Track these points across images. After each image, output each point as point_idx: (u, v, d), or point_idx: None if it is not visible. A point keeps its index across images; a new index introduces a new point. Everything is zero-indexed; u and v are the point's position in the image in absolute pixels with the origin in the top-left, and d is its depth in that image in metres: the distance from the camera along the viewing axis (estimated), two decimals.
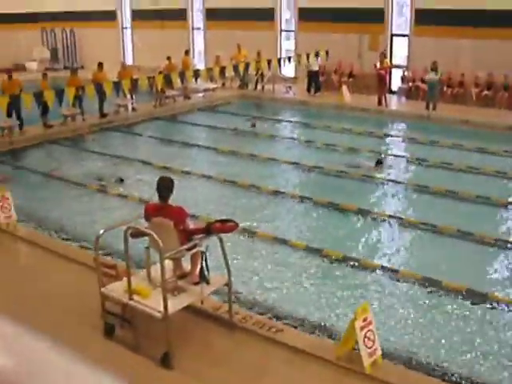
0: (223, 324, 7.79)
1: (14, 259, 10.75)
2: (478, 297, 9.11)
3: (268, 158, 17.15)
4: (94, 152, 18.52)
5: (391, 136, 20.46)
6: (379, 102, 23.41)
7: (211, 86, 26.50)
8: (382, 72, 23.34)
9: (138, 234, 7.29)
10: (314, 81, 25.67)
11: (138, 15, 34.21)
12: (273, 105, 25.33)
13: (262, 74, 26.75)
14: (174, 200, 7.55)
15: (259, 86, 27.27)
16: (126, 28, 35.93)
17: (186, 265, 7.65)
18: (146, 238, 7.27)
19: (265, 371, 7.04)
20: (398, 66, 25.79)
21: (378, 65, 23.37)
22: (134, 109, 23.23)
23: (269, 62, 24.31)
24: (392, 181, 15.05)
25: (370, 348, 6.89)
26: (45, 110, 19.62)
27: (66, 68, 31.07)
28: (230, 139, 19.88)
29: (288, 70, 28.23)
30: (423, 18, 24.26)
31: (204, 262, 7.29)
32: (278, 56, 27.42)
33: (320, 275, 10.01)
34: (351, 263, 10.31)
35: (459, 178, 15.20)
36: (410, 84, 24.88)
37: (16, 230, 11.31)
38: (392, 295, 9.32)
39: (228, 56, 27.04)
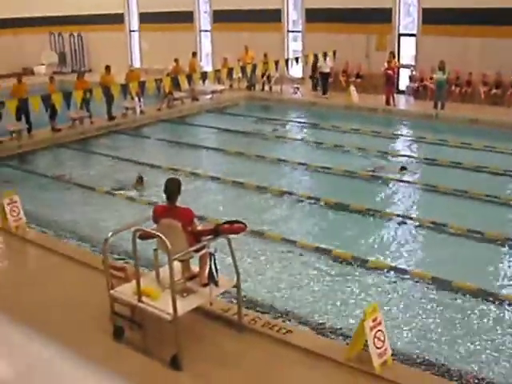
0: (232, 325, 7.77)
1: (24, 262, 10.79)
2: (488, 296, 9.06)
3: (277, 158, 17.14)
4: (102, 155, 18.55)
5: (400, 136, 20.40)
6: (387, 102, 23.36)
7: (219, 87, 26.49)
8: (390, 72, 23.29)
9: (146, 235, 7.28)
10: (323, 83, 25.59)
11: (146, 18, 34.25)
12: (281, 106, 25.30)
13: (269, 76, 26.73)
14: (182, 202, 7.54)
15: (267, 87, 27.26)
16: (133, 31, 36.01)
17: (195, 266, 7.63)
18: (155, 239, 7.26)
19: (274, 373, 7.01)
20: (405, 66, 25.73)
21: (386, 65, 23.30)
22: (141, 111, 23.25)
23: (276, 63, 24.30)
24: (401, 180, 15.00)
25: (379, 348, 6.85)
26: (53, 113, 19.65)
27: (73, 71, 31.17)
28: (239, 140, 19.87)
29: (296, 70, 28.19)
30: (430, 17, 24.19)
31: (213, 264, 7.27)
32: (286, 57, 27.38)
33: (329, 276, 9.98)
34: (361, 263, 10.28)
35: (468, 177, 15.14)
36: (418, 83, 24.81)
37: (25, 233, 11.33)
38: (402, 295, 9.29)
39: (235, 58, 27.05)
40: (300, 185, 15.24)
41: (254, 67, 24.01)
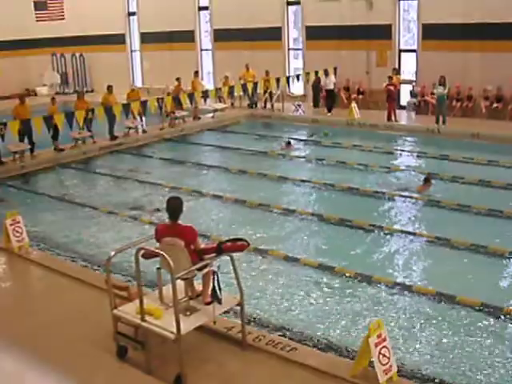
0: (236, 344, 7.74)
1: (27, 282, 10.76)
2: (494, 311, 9.02)
3: (279, 176, 17.15)
4: (105, 174, 18.59)
5: (402, 151, 20.39)
6: (389, 118, 23.40)
7: (220, 106, 26.58)
8: (392, 87, 23.35)
9: (149, 254, 7.26)
10: (328, 100, 25.60)
11: (147, 38, 34.43)
12: (282, 123, 25.33)
13: (270, 93, 26.82)
14: (184, 220, 7.53)
15: (268, 105, 27.33)
16: (134, 51, 36.20)
17: (198, 285, 7.61)
18: (158, 258, 7.25)
19: None
20: (406, 81, 25.80)
21: (387, 81, 23.36)
22: (144, 131, 23.31)
23: (277, 80, 24.38)
24: (402, 196, 14.98)
25: (385, 365, 6.81)
26: (55, 133, 19.70)
27: (75, 92, 31.26)
28: (241, 158, 19.88)
29: (297, 88, 28.28)
30: (430, 32, 24.30)
31: (216, 282, 7.25)
32: (287, 75, 27.47)
33: (333, 292, 9.95)
34: (364, 280, 10.25)
35: (471, 192, 15.12)
36: (419, 99, 24.88)
37: (28, 254, 11.31)
38: (406, 311, 9.25)
39: (236, 76, 27.15)
40: (303, 202, 15.22)
41: (255, 85, 24.09)
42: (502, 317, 8.91)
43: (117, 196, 16.14)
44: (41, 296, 9.80)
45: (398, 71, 24.47)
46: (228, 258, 7.41)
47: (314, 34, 27.67)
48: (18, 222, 11.43)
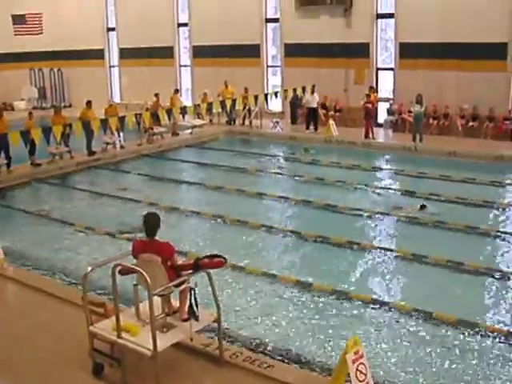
0: (213, 360, 7.70)
1: (2, 298, 10.63)
2: (469, 327, 9.07)
3: (257, 192, 17.16)
4: (82, 190, 18.49)
5: (379, 168, 20.52)
6: (366, 135, 23.55)
7: (199, 122, 26.61)
8: (369, 105, 23.53)
9: (126, 271, 7.22)
10: (312, 118, 25.64)
11: (126, 53, 34.42)
12: (261, 140, 25.39)
13: (249, 110, 26.90)
14: (162, 236, 7.50)
15: (246, 122, 27.40)
16: (113, 66, 36.14)
17: (175, 301, 7.58)
18: (135, 274, 7.21)
19: None
20: (383, 99, 26.03)
21: (365, 98, 23.55)
22: (121, 146, 23.24)
23: (256, 97, 24.46)
24: (381, 213, 15.06)
25: (362, 381, 6.81)
26: (32, 148, 19.58)
27: (53, 107, 31.15)
28: (218, 175, 19.88)
29: (275, 105, 28.39)
30: (407, 51, 24.61)
31: (193, 298, 7.23)
32: (265, 91, 27.57)
33: (311, 309, 9.95)
34: (341, 296, 10.27)
35: (448, 209, 15.23)
36: (396, 117, 25.10)
37: (4, 270, 11.19)
38: (383, 327, 9.28)
39: (215, 92, 27.19)
40: (281, 218, 15.25)
41: (234, 102, 24.16)
42: (479, 333, 8.96)
43: (94, 212, 16.07)
44: (16, 312, 9.69)
45: (374, 89, 24.68)
46: (205, 274, 7.39)
47: (293, 51, 27.86)
48: None
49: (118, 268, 7.10)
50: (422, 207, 15.07)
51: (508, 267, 11.62)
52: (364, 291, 10.52)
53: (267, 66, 29.83)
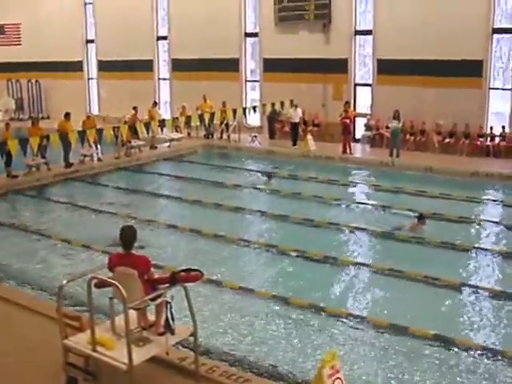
0: (189, 375, 7.65)
1: None
2: (445, 342, 9.13)
3: (234, 207, 17.16)
4: (58, 202, 18.36)
5: (357, 183, 20.61)
6: (344, 151, 23.68)
7: (177, 135, 26.60)
8: (347, 121, 23.69)
9: (101, 284, 7.18)
10: (293, 132, 25.62)
11: (104, 66, 34.36)
12: (239, 154, 25.43)
13: (227, 124, 26.95)
14: (138, 249, 7.48)
15: (225, 136, 27.44)
16: (91, 78, 36.05)
17: (151, 315, 7.54)
18: (111, 288, 7.17)
19: None
20: (361, 115, 26.23)
21: (343, 114, 23.71)
22: (99, 159, 23.13)
23: (234, 111, 24.50)
24: (357, 228, 15.11)
25: None
26: (8, 159, 19.43)
27: (30, 118, 30.99)
28: (196, 188, 19.86)
29: (253, 119, 28.47)
30: (385, 67, 24.85)
31: (169, 312, 7.19)
32: (244, 106, 27.64)
33: (287, 324, 9.95)
34: (318, 311, 10.28)
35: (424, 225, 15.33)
36: (374, 132, 25.29)
37: None
38: (360, 342, 9.30)
39: (194, 106, 27.20)
40: (258, 233, 15.25)
41: (212, 116, 24.19)
42: (455, 348, 9.02)
43: (71, 224, 15.96)
44: None
45: (350, 104, 24.71)
46: (182, 288, 7.37)
47: (271, 66, 28.01)
48: None
49: (94, 281, 7.06)
50: (420, 218, 14.85)
51: (483, 282, 11.73)
52: (340, 306, 10.55)
53: (246, 81, 29.93)
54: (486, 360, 8.74)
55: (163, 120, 23.97)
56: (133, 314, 7.23)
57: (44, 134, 20.08)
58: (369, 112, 26.15)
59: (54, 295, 10.10)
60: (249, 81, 29.99)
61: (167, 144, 26.42)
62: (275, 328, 9.81)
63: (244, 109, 25.74)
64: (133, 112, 25.00)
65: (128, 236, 7.31)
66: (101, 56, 34.62)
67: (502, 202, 17.96)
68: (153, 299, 7.22)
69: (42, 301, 10.70)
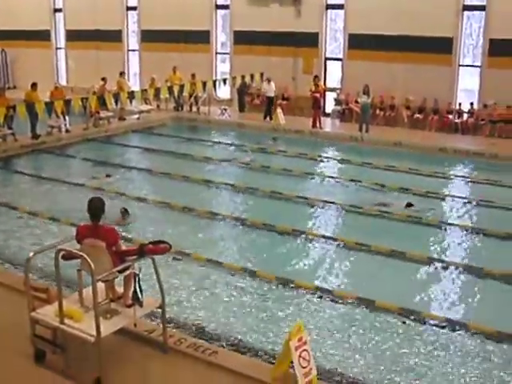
0: (157, 347, 7.67)
1: None
2: (411, 315, 9.25)
3: (203, 179, 17.13)
4: (25, 174, 18.14)
5: (326, 158, 20.68)
6: (313, 125, 23.70)
7: (146, 107, 26.39)
8: (317, 95, 23.69)
9: (69, 256, 7.13)
10: (268, 107, 25.52)
11: (73, 35, 33.84)
12: (208, 127, 25.33)
13: (196, 96, 26.79)
14: (106, 222, 7.43)
15: (194, 108, 27.28)
16: (59, 48, 35.50)
17: (119, 287, 7.53)
18: (78, 260, 7.12)
19: None
20: (331, 89, 26.24)
21: (313, 88, 23.70)
22: (67, 130, 22.86)
23: (204, 84, 24.35)
24: (325, 201, 15.18)
25: (305, 368, 6.88)
26: None
27: None
28: (165, 161, 19.78)
29: (223, 92, 28.32)
30: (356, 42, 24.82)
31: (137, 284, 7.18)
32: (214, 78, 27.47)
33: (255, 297, 10.00)
34: (286, 284, 10.34)
35: (392, 199, 15.45)
36: (344, 107, 25.34)
37: None
38: (327, 315, 9.39)
39: (163, 78, 26.97)
40: (227, 206, 15.26)
41: (182, 88, 24.03)
42: (420, 321, 9.14)
43: (38, 196, 15.80)
44: None
45: (319, 78, 24.66)
46: (150, 260, 7.35)
47: (242, 38, 27.82)
48: None
49: (62, 253, 7.00)
50: (409, 205, 14.84)
51: (449, 257, 11.89)
52: (308, 279, 10.61)
53: (216, 53, 29.71)
54: (449, 332, 8.89)
55: (132, 92, 23.74)
56: (101, 286, 7.20)
57: (10, 104, 19.77)
58: (339, 86, 26.16)
59: (20, 267, 10.03)
60: (219, 53, 29.78)
61: (136, 116, 26.20)
62: (243, 300, 9.85)
63: (214, 81, 25.58)
64: (101, 83, 24.73)
65: (96, 207, 7.24)
66: (69, 25, 34.07)
67: (468, 178, 18.16)
68: (121, 271, 7.20)
69: (9, 273, 10.60)
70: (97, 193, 14.26)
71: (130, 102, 24.90)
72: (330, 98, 26.34)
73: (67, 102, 20.51)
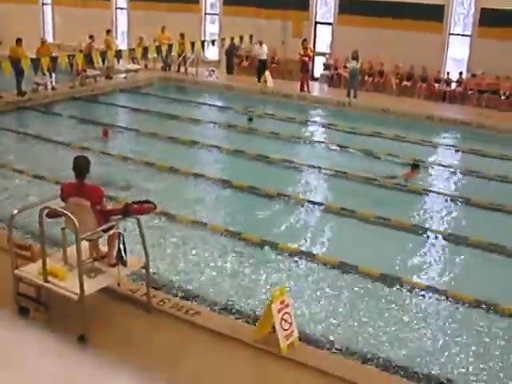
0: (141, 306, 7.72)
1: None
2: (392, 281, 9.34)
3: (190, 140, 17.06)
4: (10, 130, 17.97)
5: (313, 122, 20.66)
6: (301, 88, 23.61)
7: (133, 67, 26.15)
8: (306, 59, 23.56)
9: (53, 214, 7.10)
10: (260, 69, 25.25)
11: None
12: (195, 88, 25.16)
13: (184, 57, 26.56)
14: (91, 180, 7.41)
15: (182, 69, 27.06)
16: (46, 4, 34.94)
17: (103, 246, 7.53)
18: (63, 218, 7.11)
19: (183, 353, 7.01)
20: (320, 54, 26.10)
21: (302, 52, 23.56)
22: (53, 88, 22.62)
23: (192, 44, 24.13)
24: (311, 166, 15.19)
25: (286, 330, 6.96)
26: None
27: None
28: (152, 121, 19.67)
29: (212, 53, 28.10)
30: (346, 7, 24.64)
31: (121, 244, 7.20)
32: (202, 39, 27.22)
33: (239, 259, 10.04)
34: (270, 247, 10.39)
35: (377, 165, 15.49)
36: (332, 72, 25.23)
37: None
38: (310, 279, 9.45)
39: (151, 37, 26.69)
40: (212, 167, 15.25)
41: (170, 48, 23.82)
42: (399, 287, 9.23)
43: (23, 154, 15.70)
44: None
45: (307, 42, 24.48)
46: (135, 220, 7.36)
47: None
48: None
49: (46, 211, 6.98)
50: (414, 167, 14.51)
51: (433, 225, 11.95)
52: (292, 242, 10.66)
53: (205, 14, 29.37)
54: (430, 299, 8.99)
55: (120, 51, 23.49)
56: (85, 244, 7.21)
57: None
58: (328, 51, 26.02)
59: (4, 225, 9.99)
60: (208, 14, 29.44)
61: (123, 75, 25.96)
62: (227, 263, 9.89)
63: (202, 42, 25.36)
64: (89, 40, 24.42)
65: (81, 166, 7.21)
66: None
67: (454, 146, 18.20)
68: (105, 230, 7.20)
69: None
70: (84, 152, 14.17)
71: (118, 60, 24.68)
72: (319, 62, 26.18)
73: (54, 59, 20.27)
